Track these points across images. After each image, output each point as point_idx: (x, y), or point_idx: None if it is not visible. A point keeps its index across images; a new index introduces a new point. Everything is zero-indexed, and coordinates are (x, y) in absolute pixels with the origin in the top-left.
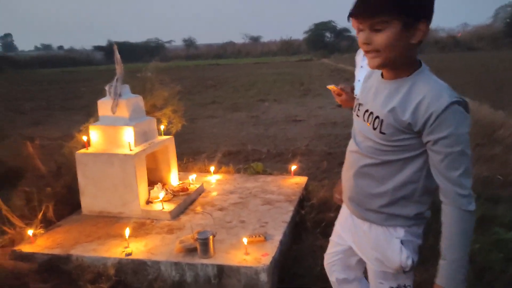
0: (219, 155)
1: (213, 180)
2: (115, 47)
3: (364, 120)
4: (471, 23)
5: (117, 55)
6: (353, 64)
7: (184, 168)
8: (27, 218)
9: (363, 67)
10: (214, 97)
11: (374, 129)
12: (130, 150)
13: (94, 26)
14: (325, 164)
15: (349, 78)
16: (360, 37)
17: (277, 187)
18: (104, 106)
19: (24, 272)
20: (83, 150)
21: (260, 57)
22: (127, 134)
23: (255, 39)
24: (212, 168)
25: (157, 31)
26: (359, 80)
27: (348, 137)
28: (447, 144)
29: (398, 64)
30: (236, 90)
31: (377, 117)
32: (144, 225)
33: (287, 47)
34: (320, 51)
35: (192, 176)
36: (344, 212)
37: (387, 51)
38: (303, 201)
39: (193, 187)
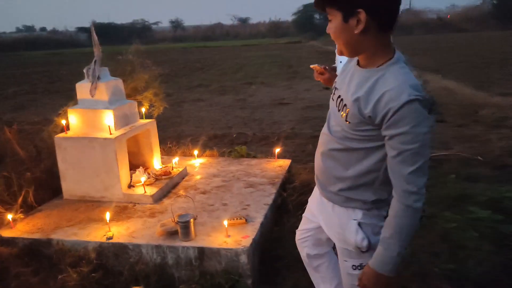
0: (204, 138)
1: (196, 163)
2: (92, 28)
3: (336, 106)
4: (459, 4)
5: (95, 36)
6: None
7: (168, 152)
8: (7, 203)
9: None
10: (201, 80)
11: (341, 116)
12: (110, 134)
13: (77, 7)
14: (310, 147)
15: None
16: (328, 27)
17: (260, 170)
18: (82, 89)
19: (4, 256)
20: (62, 134)
21: (249, 39)
22: (107, 118)
23: (244, 21)
24: (196, 152)
25: (144, 12)
26: (340, 62)
27: None
28: (402, 141)
29: (359, 52)
30: (223, 73)
31: (345, 105)
32: (126, 209)
33: (275, 29)
34: (309, 33)
35: (175, 160)
36: (316, 190)
37: (337, 40)
38: (286, 183)
39: (176, 170)
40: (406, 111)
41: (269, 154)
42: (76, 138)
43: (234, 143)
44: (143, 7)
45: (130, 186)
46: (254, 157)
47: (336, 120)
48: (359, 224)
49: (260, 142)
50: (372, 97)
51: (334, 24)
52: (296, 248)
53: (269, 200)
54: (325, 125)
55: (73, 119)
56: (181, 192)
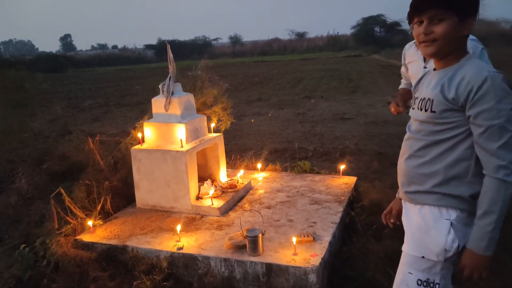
0: (265, 152)
1: (260, 177)
2: (168, 47)
3: (418, 108)
4: None
5: (170, 54)
6: None
7: (231, 165)
8: (87, 210)
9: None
10: (260, 94)
11: (426, 110)
12: (182, 147)
13: (144, 26)
14: (375, 164)
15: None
16: (419, 29)
17: (325, 187)
18: (157, 103)
19: (85, 260)
20: (138, 146)
21: (306, 53)
22: (179, 131)
23: (301, 35)
24: (259, 166)
25: (205, 29)
26: (425, 67)
27: (401, 136)
28: (487, 117)
29: (449, 53)
30: (282, 87)
31: (428, 99)
32: (194, 220)
33: (334, 43)
34: (370, 46)
35: (240, 173)
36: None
37: (443, 40)
38: (353, 202)
39: (241, 184)
40: (489, 86)
41: (332, 170)
42: (150, 150)
43: (296, 158)
44: (204, 24)
45: (198, 198)
46: (318, 172)
47: (419, 118)
48: (451, 224)
49: (321, 157)
50: (454, 82)
51: (446, 25)
52: (367, 271)
53: (336, 218)
54: (407, 134)
55: (148, 132)
56: (246, 206)
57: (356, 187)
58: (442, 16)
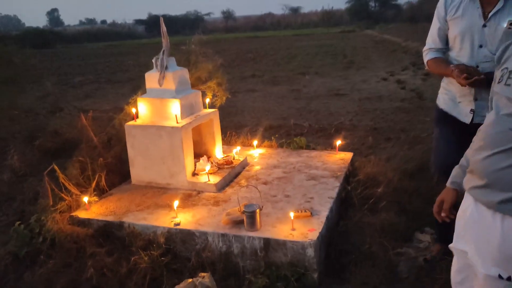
0: (260, 129)
1: (256, 154)
2: (162, 20)
3: None
4: None
5: (163, 28)
6: (399, 34)
7: (227, 141)
8: (82, 186)
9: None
10: (254, 70)
11: None
12: (177, 122)
13: (134, 0)
14: (370, 139)
15: (396, 49)
16: None
17: (321, 163)
18: (151, 78)
19: (81, 236)
20: (131, 122)
21: (300, 28)
22: (174, 107)
23: (295, 10)
24: (255, 142)
25: (196, 3)
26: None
27: (395, 111)
28: None
29: None
30: (276, 63)
31: None
32: (190, 197)
33: (328, 18)
34: (364, 21)
35: (236, 149)
36: (466, 206)
37: None
38: (349, 177)
39: (237, 160)
40: None
41: (328, 146)
42: (144, 126)
43: (291, 134)
44: None
45: (194, 174)
46: (314, 148)
47: None
48: None
49: (317, 133)
50: None
51: None
52: (363, 244)
53: (333, 193)
54: (492, 118)
55: (142, 107)
56: (243, 182)
57: (352, 162)
58: None
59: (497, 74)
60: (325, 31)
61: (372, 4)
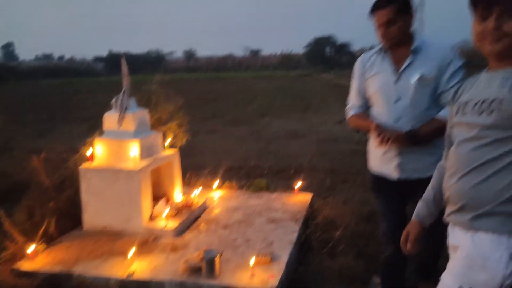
0: (221, 170)
1: (216, 196)
2: (123, 60)
3: (476, 113)
4: (471, 40)
5: (125, 68)
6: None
7: (187, 183)
8: (29, 233)
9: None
10: (215, 111)
11: (491, 113)
12: (135, 165)
13: (94, 36)
14: (328, 181)
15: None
16: (484, 24)
17: (281, 205)
18: (110, 119)
19: None
20: (87, 165)
21: (260, 70)
22: (133, 149)
23: (255, 52)
24: (215, 184)
25: (158, 42)
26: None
27: (351, 153)
28: None
29: None
30: (236, 104)
31: (493, 100)
32: (147, 243)
33: (287, 61)
34: (320, 66)
35: (196, 192)
36: (449, 232)
37: (508, 38)
38: (308, 220)
39: (197, 203)
40: None
41: (287, 188)
42: (101, 169)
43: (251, 175)
44: (158, 37)
45: (152, 218)
46: (274, 190)
47: (484, 123)
48: (510, 256)
49: (276, 175)
50: None
51: None
52: None
53: (293, 237)
54: (457, 147)
55: (99, 149)
56: (203, 226)
57: (311, 204)
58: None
59: (453, 109)
60: (284, 74)
61: (328, 50)
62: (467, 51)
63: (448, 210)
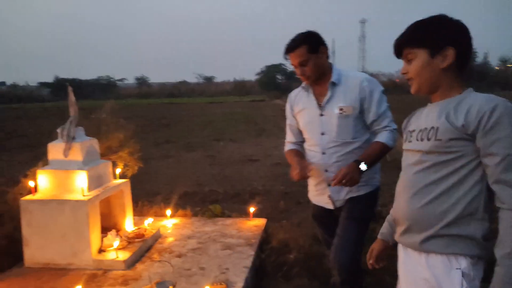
0: (175, 197)
1: (169, 224)
2: (70, 89)
3: (417, 139)
4: None
5: (72, 97)
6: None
7: (139, 212)
8: None
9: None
10: (168, 136)
11: (429, 139)
12: (83, 195)
13: (40, 62)
14: (282, 204)
15: None
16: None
17: (236, 230)
18: (55, 149)
19: None
20: (29, 197)
21: (214, 96)
22: (80, 179)
23: (209, 79)
24: (168, 212)
25: (109, 69)
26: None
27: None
28: (504, 145)
29: (435, 87)
30: (190, 129)
31: (431, 128)
32: (96, 277)
33: (240, 88)
34: (272, 92)
35: (148, 221)
36: (401, 253)
37: (418, 78)
38: (263, 244)
39: (149, 232)
40: (502, 113)
41: (242, 212)
42: (44, 201)
43: (206, 201)
44: (108, 64)
45: (101, 251)
46: (229, 216)
47: (423, 149)
48: (463, 274)
49: (231, 199)
50: (461, 110)
51: (417, 62)
52: None
53: (248, 262)
54: (405, 172)
55: (43, 180)
56: (155, 256)
57: (265, 228)
58: (413, 55)
59: (405, 137)
60: (237, 99)
61: (279, 77)
62: (405, 80)
63: (398, 230)
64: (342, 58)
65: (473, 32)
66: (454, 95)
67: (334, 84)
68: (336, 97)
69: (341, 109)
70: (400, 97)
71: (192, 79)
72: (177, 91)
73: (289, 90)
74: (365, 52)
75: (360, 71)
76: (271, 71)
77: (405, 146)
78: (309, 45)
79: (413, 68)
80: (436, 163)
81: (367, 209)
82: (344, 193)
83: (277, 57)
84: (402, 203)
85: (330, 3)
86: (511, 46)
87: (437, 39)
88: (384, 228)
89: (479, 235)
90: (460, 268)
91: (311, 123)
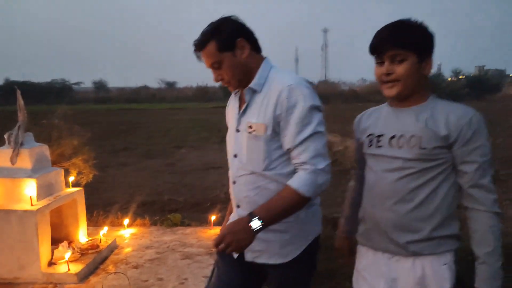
0: (133, 206)
1: (126, 234)
2: (19, 93)
3: (394, 147)
4: (368, 78)
5: (20, 101)
6: None
7: (94, 222)
8: None
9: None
10: (127, 143)
11: (412, 148)
12: (32, 205)
13: None
14: None
15: None
16: (380, 69)
17: (196, 239)
18: (1, 156)
19: None
20: None
21: (176, 102)
22: (29, 188)
23: (171, 84)
24: (125, 221)
25: (64, 73)
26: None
27: None
28: (480, 153)
29: (412, 93)
30: (150, 136)
31: (412, 136)
32: None
33: (203, 94)
34: None
35: (103, 231)
36: (370, 258)
37: (405, 80)
38: None
39: (104, 243)
40: (478, 123)
41: (203, 221)
42: None
43: (165, 210)
44: (63, 67)
45: (51, 263)
46: (189, 225)
47: (405, 157)
48: (449, 268)
49: (192, 208)
50: (439, 119)
51: (407, 65)
52: None
53: (208, 272)
54: (384, 174)
55: None
56: (111, 267)
57: None
58: (402, 57)
59: (363, 140)
60: (200, 106)
61: None
62: (366, 89)
63: (373, 237)
64: (305, 66)
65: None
66: (424, 101)
67: (253, 91)
68: (252, 109)
69: (250, 127)
70: (361, 107)
71: (154, 84)
72: (137, 96)
73: None
74: (327, 61)
75: (322, 79)
76: None
77: (372, 150)
78: (218, 40)
79: (402, 70)
80: (420, 170)
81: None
82: (258, 248)
83: None
84: (385, 211)
85: (294, 12)
86: (463, 57)
87: (425, 46)
88: (343, 226)
89: (457, 231)
90: (447, 263)
91: (228, 140)
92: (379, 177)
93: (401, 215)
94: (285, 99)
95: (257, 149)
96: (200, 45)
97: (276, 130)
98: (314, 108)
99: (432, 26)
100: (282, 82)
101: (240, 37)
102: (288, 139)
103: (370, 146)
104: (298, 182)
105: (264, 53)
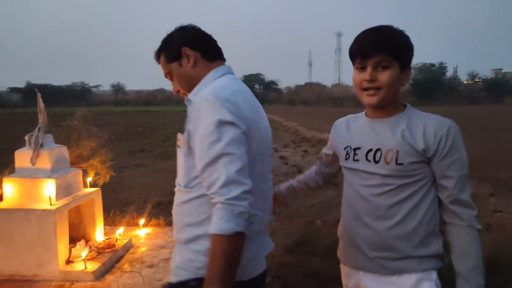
0: (148, 206)
1: (142, 234)
2: (39, 96)
3: (370, 161)
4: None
5: (41, 104)
6: (280, 114)
7: (110, 221)
8: None
9: None
10: (143, 144)
11: (388, 163)
12: (51, 204)
13: (11, 66)
14: None
15: (278, 128)
16: (361, 75)
17: None
18: (22, 157)
19: None
20: None
21: None
22: (48, 188)
23: None
24: (141, 221)
25: (83, 76)
26: None
27: (276, 184)
28: (458, 168)
29: (390, 102)
30: (166, 137)
31: (389, 150)
32: None
33: None
34: None
35: (119, 231)
36: (352, 278)
37: (387, 88)
38: None
39: (120, 242)
40: (455, 136)
41: None
42: (9, 210)
43: None
44: (82, 70)
45: (69, 261)
46: None
47: (381, 173)
48: (436, 285)
49: None
50: (416, 130)
51: (391, 73)
52: None
53: None
54: (362, 190)
55: (9, 189)
56: (126, 266)
57: None
58: (387, 63)
59: (341, 153)
60: None
61: (256, 86)
62: (345, 96)
63: (354, 254)
64: (319, 69)
65: (445, 46)
66: (399, 112)
67: (189, 102)
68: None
69: (177, 138)
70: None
71: (170, 87)
72: (153, 99)
73: (267, 100)
74: (340, 65)
75: (335, 83)
76: (249, 80)
77: (349, 164)
78: (165, 52)
79: (386, 78)
80: (399, 186)
81: None
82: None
83: (254, 67)
84: (364, 228)
85: (307, 15)
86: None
87: (407, 57)
88: (283, 184)
89: (441, 250)
90: (433, 281)
91: None
92: (357, 192)
93: (381, 232)
94: (193, 111)
95: (180, 163)
96: (156, 58)
97: (190, 145)
98: (224, 124)
99: (448, 29)
100: (201, 92)
101: (185, 46)
102: (196, 160)
103: (347, 159)
104: (216, 224)
105: (276, 57)
